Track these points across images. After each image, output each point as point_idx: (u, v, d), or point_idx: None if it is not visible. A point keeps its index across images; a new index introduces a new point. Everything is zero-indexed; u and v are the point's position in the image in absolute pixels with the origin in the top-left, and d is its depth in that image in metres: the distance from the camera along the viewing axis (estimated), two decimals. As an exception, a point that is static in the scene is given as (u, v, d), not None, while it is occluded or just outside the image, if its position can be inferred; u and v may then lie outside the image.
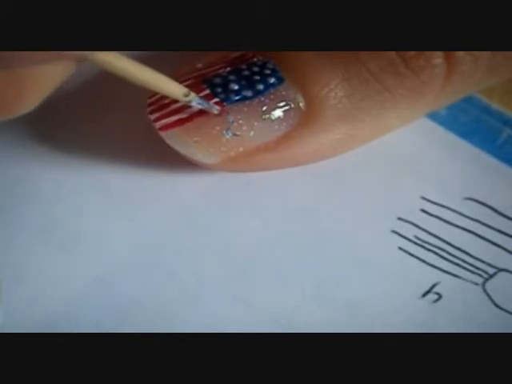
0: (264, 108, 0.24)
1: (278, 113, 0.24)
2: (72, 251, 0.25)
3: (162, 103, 0.24)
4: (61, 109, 0.26)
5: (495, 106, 0.28)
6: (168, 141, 0.24)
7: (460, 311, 0.25)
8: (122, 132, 0.26)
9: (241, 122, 0.24)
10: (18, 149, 0.26)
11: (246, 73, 0.24)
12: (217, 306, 0.24)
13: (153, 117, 0.24)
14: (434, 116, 0.27)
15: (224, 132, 0.24)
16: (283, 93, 0.24)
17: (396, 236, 0.26)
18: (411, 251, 0.26)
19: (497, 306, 0.25)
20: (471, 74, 0.25)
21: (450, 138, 0.27)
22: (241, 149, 0.24)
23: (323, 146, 0.25)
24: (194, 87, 0.24)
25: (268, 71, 0.24)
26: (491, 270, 0.26)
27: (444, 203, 0.26)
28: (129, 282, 0.24)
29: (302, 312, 0.25)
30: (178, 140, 0.24)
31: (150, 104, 0.24)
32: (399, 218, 0.26)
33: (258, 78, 0.24)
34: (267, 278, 0.25)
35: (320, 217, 0.26)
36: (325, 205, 0.26)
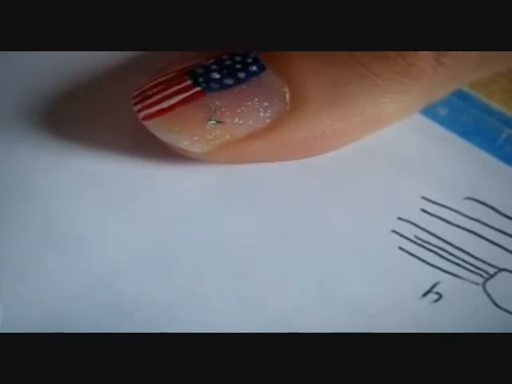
0: (247, 95, 0.24)
1: (261, 99, 0.24)
2: (72, 251, 0.25)
3: (145, 95, 0.25)
4: (61, 108, 0.26)
5: (495, 105, 0.28)
6: (152, 130, 0.24)
7: (460, 311, 0.25)
8: (123, 130, 0.26)
9: (223, 109, 0.24)
10: (16, 148, 0.26)
11: (228, 62, 0.25)
12: (216, 305, 0.24)
13: (136, 108, 0.25)
14: (434, 116, 0.27)
15: (207, 119, 0.24)
16: (266, 80, 0.24)
17: (396, 236, 0.26)
18: (411, 251, 0.26)
19: (497, 305, 0.25)
20: (464, 56, 0.24)
21: (450, 137, 0.27)
22: (227, 136, 0.24)
23: (314, 134, 0.25)
24: (176, 79, 0.24)
25: (250, 60, 0.25)
26: (492, 270, 0.26)
27: (444, 203, 0.26)
28: (128, 282, 0.24)
29: (302, 312, 0.25)
30: (161, 129, 0.24)
31: (135, 96, 0.25)
32: (399, 218, 0.26)
33: (239, 66, 0.24)
34: (267, 277, 0.25)
35: (320, 216, 0.26)
36: (324, 204, 0.26)
